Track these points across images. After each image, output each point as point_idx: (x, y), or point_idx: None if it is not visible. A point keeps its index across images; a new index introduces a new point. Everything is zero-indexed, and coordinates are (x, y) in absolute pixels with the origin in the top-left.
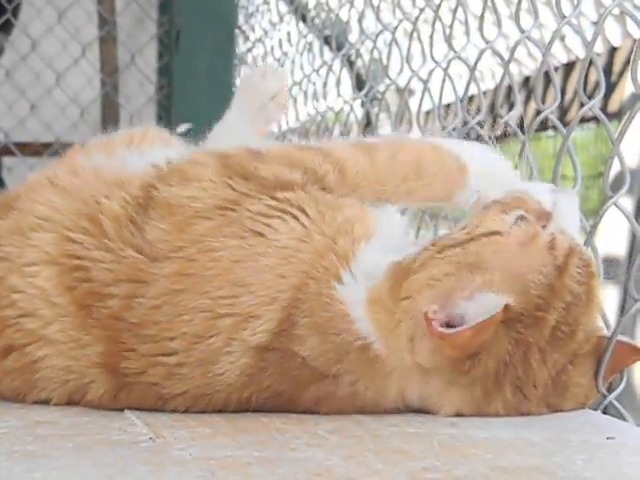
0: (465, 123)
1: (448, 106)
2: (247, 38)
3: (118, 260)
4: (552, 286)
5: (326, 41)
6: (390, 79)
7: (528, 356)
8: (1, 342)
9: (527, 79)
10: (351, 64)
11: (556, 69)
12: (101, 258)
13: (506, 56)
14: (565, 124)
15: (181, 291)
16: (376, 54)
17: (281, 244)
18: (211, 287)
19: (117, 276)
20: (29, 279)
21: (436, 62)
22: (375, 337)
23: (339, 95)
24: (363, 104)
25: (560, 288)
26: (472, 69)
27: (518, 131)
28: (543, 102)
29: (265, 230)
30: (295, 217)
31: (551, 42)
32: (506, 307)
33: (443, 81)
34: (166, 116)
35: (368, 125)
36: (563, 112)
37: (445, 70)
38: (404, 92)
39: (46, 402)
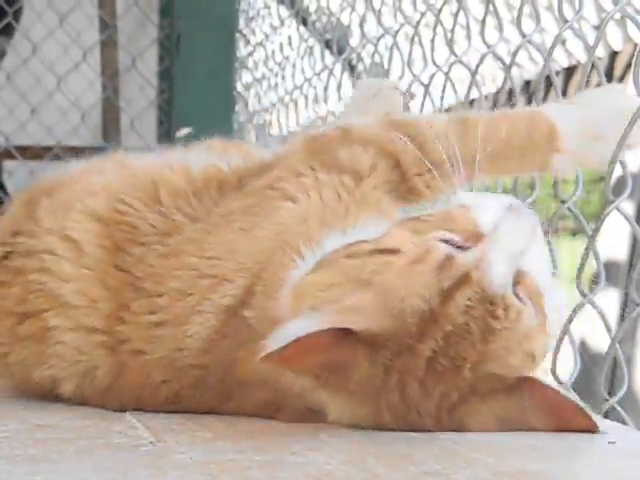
0: None
1: (449, 110)
2: (248, 42)
3: (164, 220)
4: (432, 313)
5: (327, 45)
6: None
7: (404, 384)
8: (22, 307)
9: (528, 83)
10: (352, 68)
11: (557, 73)
12: (150, 217)
13: (507, 60)
14: None
15: (186, 248)
16: (377, 58)
17: (278, 221)
18: (207, 247)
19: (157, 230)
20: (67, 232)
21: (437, 66)
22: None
23: (340, 99)
24: None
25: (440, 316)
26: (473, 73)
27: None
28: None
29: (279, 206)
30: (310, 199)
31: (553, 46)
32: (365, 331)
33: (444, 85)
34: (167, 120)
35: None
36: None
37: (446, 74)
38: (405, 96)
39: (52, 386)
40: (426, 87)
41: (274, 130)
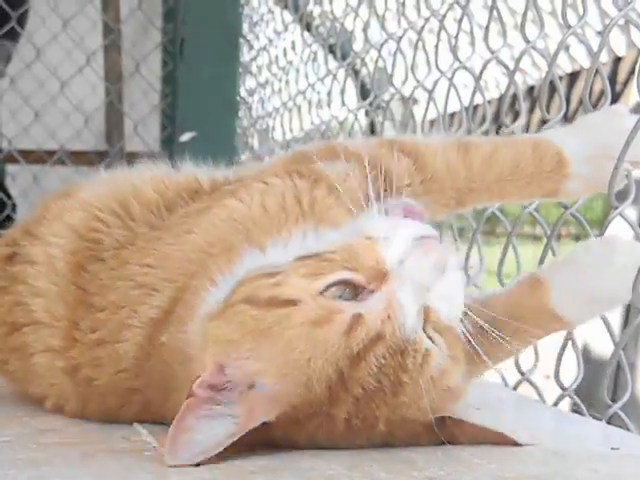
0: (469, 132)
1: (452, 115)
2: (251, 47)
3: (130, 234)
4: (341, 379)
5: (331, 50)
6: (395, 88)
7: (328, 441)
8: (10, 318)
9: (531, 88)
10: (356, 73)
11: (560, 79)
12: (117, 232)
13: (511, 66)
14: None
15: (132, 257)
16: (381, 63)
17: (210, 224)
18: (148, 254)
19: (119, 244)
20: (47, 244)
21: (441, 72)
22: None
23: (344, 104)
24: (367, 113)
25: (350, 381)
26: (477, 79)
27: None
28: (547, 112)
29: (218, 208)
30: (252, 201)
31: (557, 52)
32: (280, 416)
33: (448, 90)
34: (170, 124)
35: (372, 134)
36: (568, 122)
37: (450, 80)
38: (409, 101)
39: (41, 400)
40: (430, 92)
41: (277, 135)
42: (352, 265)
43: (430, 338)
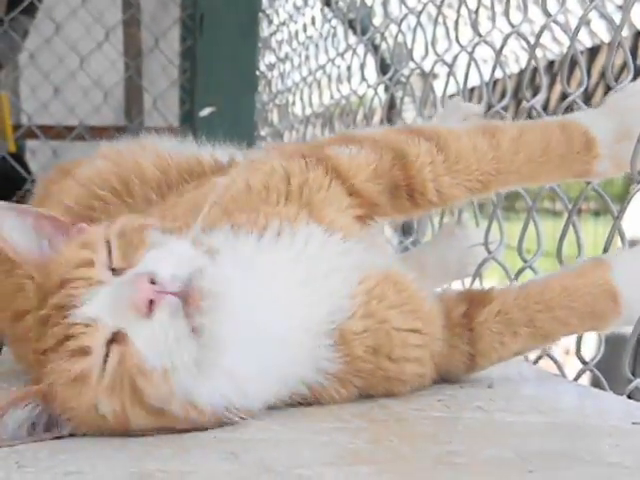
0: (490, 107)
1: (472, 90)
2: (271, 22)
3: (126, 210)
4: None
5: (350, 25)
6: (415, 63)
7: None
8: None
9: (551, 63)
10: (375, 48)
11: (580, 53)
12: (113, 209)
13: (531, 40)
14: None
15: None
16: (401, 38)
17: (195, 201)
18: None
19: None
20: None
21: (461, 46)
22: None
23: (363, 79)
24: (387, 88)
25: None
26: (498, 53)
27: (543, 115)
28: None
29: (209, 185)
30: (238, 177)
31: (578, 26)
32: None
33: (469, 65)
34: (189, 100)
35: (392, 109)
36: (587, 97)
37: (471, 54)
38: (428, 76)
39: None
40: (450, 67)
41: (297, 110)
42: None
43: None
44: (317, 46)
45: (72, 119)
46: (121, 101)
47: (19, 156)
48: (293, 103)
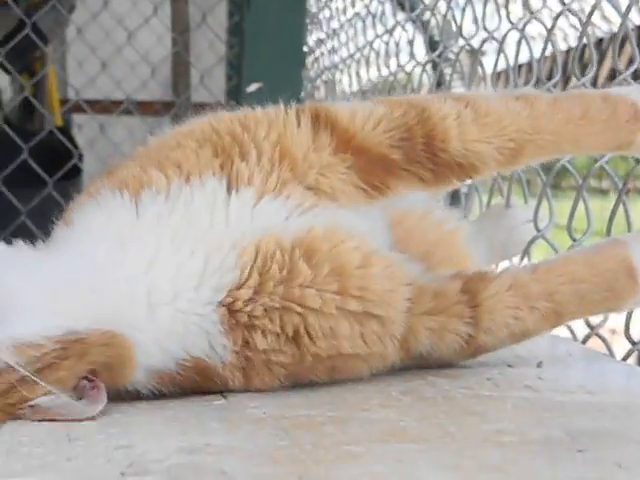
0: (538, 84)
1: (519, 67)
2: None
3: None
4: None
5: (399, 1)
6: (465, 39)
7: None
8: None
9: (600, 41)
10: (424, 25)
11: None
12: None
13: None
14: None
15: None
16: (450, 15)
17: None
18: None
19: None
20: None
21: (512, 23)
22: None
23: (411, 56)
24: (435, 65)
25: None
26: (549, 30)
27: None
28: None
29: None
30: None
31: (630, 5)
32: None
33: (519, 42)
34: (236, 75)
35: (440, 86)
36: (637, 76)
37: (521, 31)
38: (477, 53)
39: None
40: (500, 44)
41: (344, 86)
42: None
43: None
44: (365, 22)
45: (119, 94)
46: (168, 76)
47: (66, 130)
48: (340, 80)
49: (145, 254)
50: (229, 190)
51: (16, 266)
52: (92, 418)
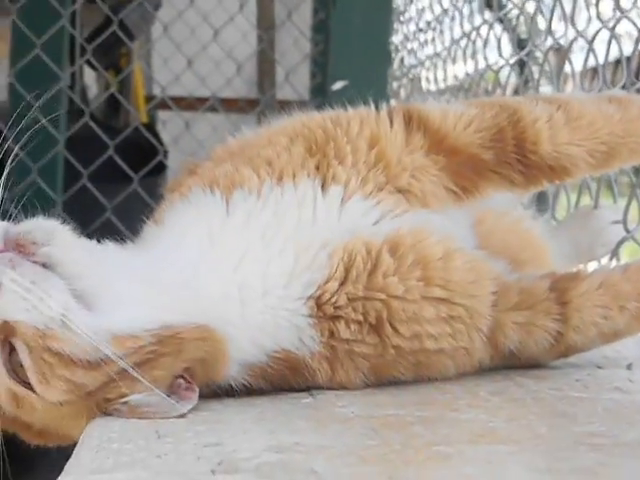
0: (632, 83)
1: (604, 67)
2: None
3: None
4: None
5: (487, 1)
6: (553, 38)
7: None
8: None
9: None
10: (511, 23)
11: None
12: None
13: None
14: None
15: None
16: (538, 13)
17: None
18: None
19: None
20: None
21: (602, 22)
22: None
23: (499, 54)
24: (523, 63)
25: None
26: None
27: None
28: None
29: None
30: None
31: None
32: None
33: (609, 41)
34: (321, 73)
35: (527, 84)
36: None
37: (612, 30)
38: (565, 52)
39: None
40: (590, 43)
41: (429, 85)
42: None
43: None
44: (452, 19)
45: (204, 91)
46: (253, 73)
47: (151, 127)
48: (427, 78)
49: (235, 252)
50: (322, 191)
51: (109, 260)
52: (182, 416)
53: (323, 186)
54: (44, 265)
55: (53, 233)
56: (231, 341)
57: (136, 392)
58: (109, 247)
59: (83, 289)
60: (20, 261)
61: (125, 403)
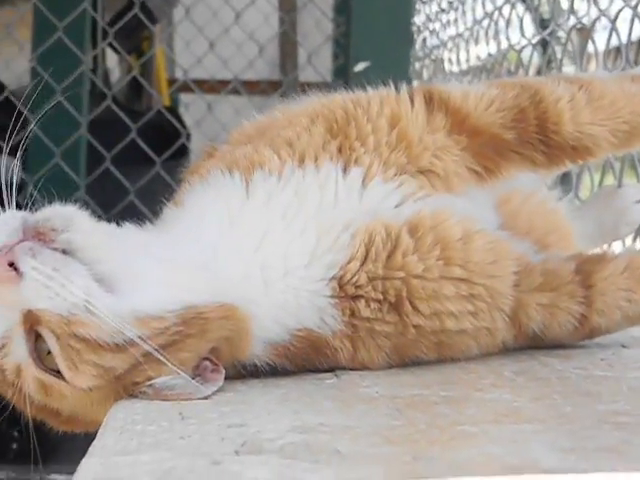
0: None
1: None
2: None
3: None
4: None
5: None
6: (576, 17)
7: None
8: None
9: None
10: (534, 2)
11: None
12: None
13: None
14: None
15: None
16: None
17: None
18: None
19: None
20: None
21: (625, 1)
22: None
23: (522, 34)
24: (546, 43)
25: None
26: None
27: None
28: None
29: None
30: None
31: None
32: None
33: (632, 20)
34: (343, 54)
35: (549, 64)
36: None
37: (634, 9)
38: (588, 31)
39: None
40: (612, 22)
41: (452, 65)
42: None
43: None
44: (475, 0)
45: (226, 73)
46: (275, 55)
47: (174, 110)
48: (449, 59)
49: (256, 232)
50: (344, 173)
51: (129, 243)
52: (205, 398)
53: (345, 168)
54: (64, 251)
55: (72, 219)
56: (254, 319)
57: (162, 375)
58: (129, 229)
59: (104, 272)
60: (40, 249)
61: (151, 386)
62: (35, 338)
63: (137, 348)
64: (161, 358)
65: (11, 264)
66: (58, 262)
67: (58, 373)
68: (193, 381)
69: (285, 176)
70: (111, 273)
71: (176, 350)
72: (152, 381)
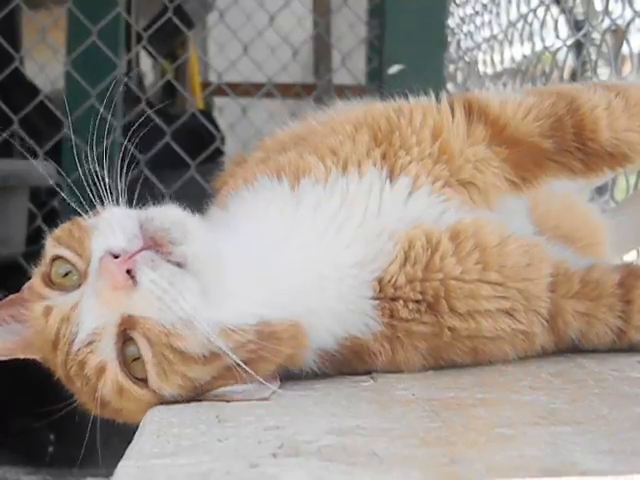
0: None
1: None
2: None
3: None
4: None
5: None
6: (610, 19)
7: None
8: None
9: None
10: (568, 4)
11: None
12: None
13: None
14: None
15: None
16: None
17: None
18: None
19: None
20: None
21: None
22: None
23: (556, 36)
24: (580, 45)
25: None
26: None
27: None
28: None
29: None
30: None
31: None
32: None
33: None
34: (377, 57)
35: (584, 66)
36: None
37: None
38: (623, 33)
39: None
40: None
41: (486, 68)
42: (77, 249)
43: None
44: (509, 1)
45: (260, 76)
46: (309, 59)
47: (208, 113)
48: (484, 61)
49: (310, 242)
50: (389, 181)
51: (225, 251)
52: (265, 399)
53: (391, 176)
54: (178, 264)
55: (187, 230)
56: (311, 330)
57: (233, 383)
58: (220, 231)
59: (209, 283)
60: (160, 262)
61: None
62: (123, 341)
63: (222, 361)
64: (246, 369)
65: (128, 271)
66: (174, 277)
67: (137, 379)
68: (258, 387)
69: (330, 183)
70: (214, 284)
71: (253, 367)
72: (222, 389)
